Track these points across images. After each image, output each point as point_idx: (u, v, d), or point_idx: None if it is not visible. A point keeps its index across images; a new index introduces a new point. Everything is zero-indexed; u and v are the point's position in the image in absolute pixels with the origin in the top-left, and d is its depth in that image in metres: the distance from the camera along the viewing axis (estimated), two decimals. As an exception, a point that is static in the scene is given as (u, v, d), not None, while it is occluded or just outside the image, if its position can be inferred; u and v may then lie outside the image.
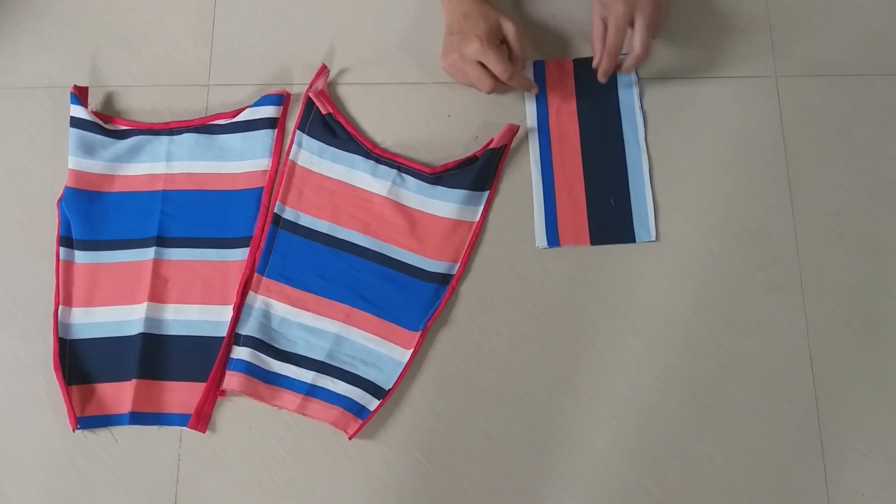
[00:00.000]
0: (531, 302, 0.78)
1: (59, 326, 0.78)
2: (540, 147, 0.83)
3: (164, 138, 0.84)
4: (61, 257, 0.80)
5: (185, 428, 0.76)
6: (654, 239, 0.79)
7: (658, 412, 0.75)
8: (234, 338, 0.77)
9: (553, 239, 0.80)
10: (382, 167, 0.82)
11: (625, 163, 0.81)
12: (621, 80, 0.84)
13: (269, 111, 0.84)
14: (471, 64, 0.77)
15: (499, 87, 0.79)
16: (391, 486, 0.74)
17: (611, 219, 0.80)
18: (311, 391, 0.75)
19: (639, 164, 0.81)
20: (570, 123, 0.83)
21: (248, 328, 0.77)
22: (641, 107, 0.83)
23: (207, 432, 0.76)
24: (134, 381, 0.76)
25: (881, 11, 0.86)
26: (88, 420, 0.76)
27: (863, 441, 0.74)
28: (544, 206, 0.81)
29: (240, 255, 0.80)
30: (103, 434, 0.77)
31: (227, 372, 0.76)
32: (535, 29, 0.87)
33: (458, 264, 0.79)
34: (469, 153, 0.81)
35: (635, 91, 0.83)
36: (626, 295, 0.78)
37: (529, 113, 0.84)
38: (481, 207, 0.81)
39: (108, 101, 0.87)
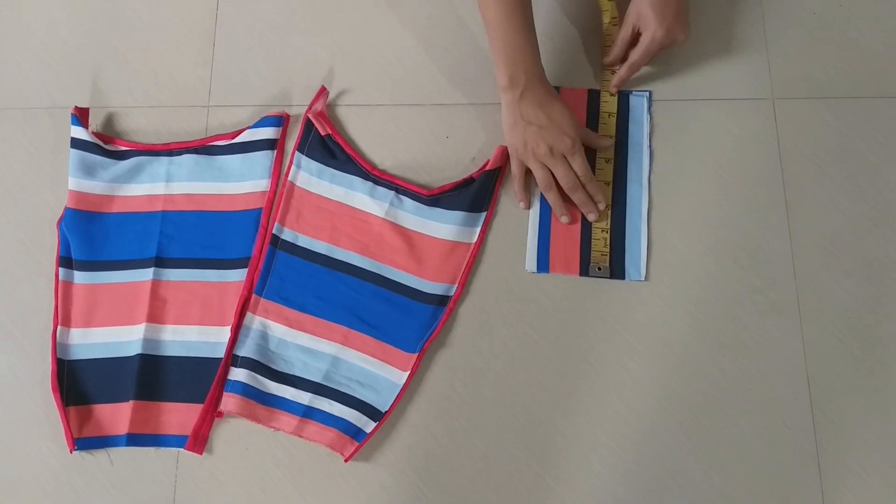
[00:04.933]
0: (529, 324, 0.79)
1: (58, 347, 0.78)
2: None
3: (164, 159, 0.84)
4: (60, 278, 0.81)
5: (181, 449, 0.76)
6: (643, 279, 0.79)
7: (656, 434, 0.75)
8: (232, 359, 0.78)
9: (543, 265, 0.80)
10: (380, 188, 0.82)
11: (625, 199, 0.81)
12: (633, 115, 0.84)
13: (268, 132, 0.84)
14: (558, 159, 0.77)
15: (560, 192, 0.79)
16: (387, 508, 0.74)
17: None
18: (308, 413, 0.75)
19: (639, 202, 0.81)
20: None
21: (246, 349, 0.78)
22: (650, 145, 0.83)
23: (204, 454, 0.76)
24: (131, 402, 0.76)
25: (879, 33, 0.86)
26: (86, 441, 0.76)
27: (860, 465, 0.73)
28: (539, 230, 0.81)
29: (238, 275, 0.80)
30: (100, 455, 0.77)
31: (224, 393, 0.76)
32: (552, 56, 0.87)
33: (456, 286, 0.79)
34: (467, 174, 0.82)
35: (646, 129, 0.83)
36: (623, 317, 0.78)
37: None
38: (478, 229, 0.81)
39: (109, 121, 0.88)
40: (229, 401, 0.76)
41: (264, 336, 0.78)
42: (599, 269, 0.79)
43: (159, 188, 0.84)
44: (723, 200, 0.81)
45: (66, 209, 0.82)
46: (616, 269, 0.79)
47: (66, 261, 0.81)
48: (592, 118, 0.84)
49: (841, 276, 0.78)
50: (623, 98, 0.84)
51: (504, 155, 0.82)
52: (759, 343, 0.77)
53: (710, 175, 0.82)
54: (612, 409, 0.76)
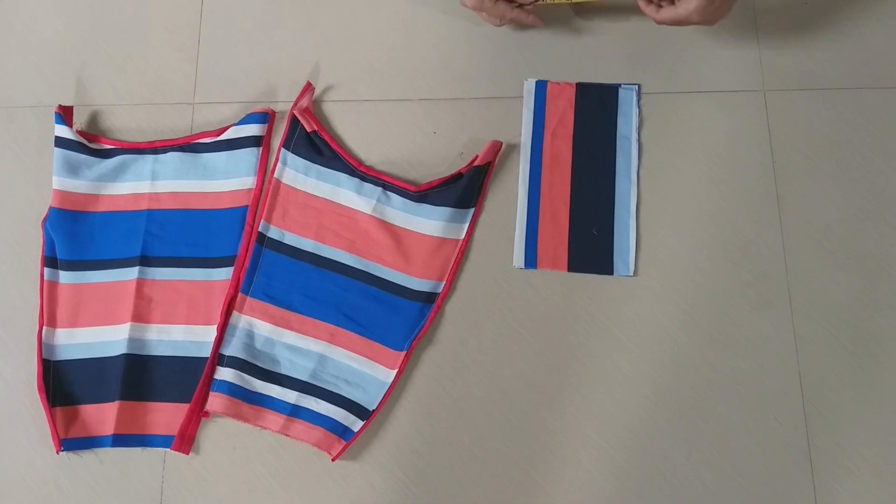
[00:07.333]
0: (517, 320, 0.78)
1: (44, 347, 0.78)
2: (530, 167, 0.82)
3: (149, 157, 0.84)
4: (45, 278, 0.80)
5: (168, 449, 0.75)
6: (631, 274, 0.78)
7: (645, 430, 0.75)
8: (218, 358, 0.77)
9: (531, 260, 0.79)
10: (367, 185, 0.81)
11: (613, 194, 0.80)
12: (622, 109, 0.83)
13: (254, 129, 0.83)
14: None
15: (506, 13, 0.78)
16: (375, 507, 0.74)
17: (591, 248, 0.79)
18: (295, 412, 0.75)
19: (627, 197, 0.80)
20: (563, 147, 0.82)
21: (232, 349, 0.77)
22: (639, 139, 0.82)
23: (191, 454, 0.76)
24: (117, 402, 0.76)
25: (871, 24, 0.85)
26: (72, 442, 0.76)
27: (852, 459, 0.73)
28: (526, 226, 0.80)
29: (224, 274, 0.80)
30: (87, 456, 0.77)
31: (211, 393, 0.76)
32: (541, 50, 0.86)
33: (444, 282, 0.79)
34: (454, 170, 0.81)
35: (634, 122, 0.82)
36: (612, 312, 0.78)
37: (525, 131, 0.83)
38: (466, 225, 0.80)
39: (94, 119, 0.87)
40: (216, 400, 0.75)
41: (251, 335, 0.78)
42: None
43: (144, 186, 0.83)
44: (713, 194, 0.81)
45: (51, 209, 0.82)
46: (604, 265, 0.79)
47: (51, 261, 0.81)
48: (581, 112, 0.83)
49: (833, 270, 0.78)
50: (611, 91, 0.84)
51: (493, 150, 0.81)
52: (750, 338, 0.76)
53: (701, 168, 0.81)
54: (601, 406, 0.75)
